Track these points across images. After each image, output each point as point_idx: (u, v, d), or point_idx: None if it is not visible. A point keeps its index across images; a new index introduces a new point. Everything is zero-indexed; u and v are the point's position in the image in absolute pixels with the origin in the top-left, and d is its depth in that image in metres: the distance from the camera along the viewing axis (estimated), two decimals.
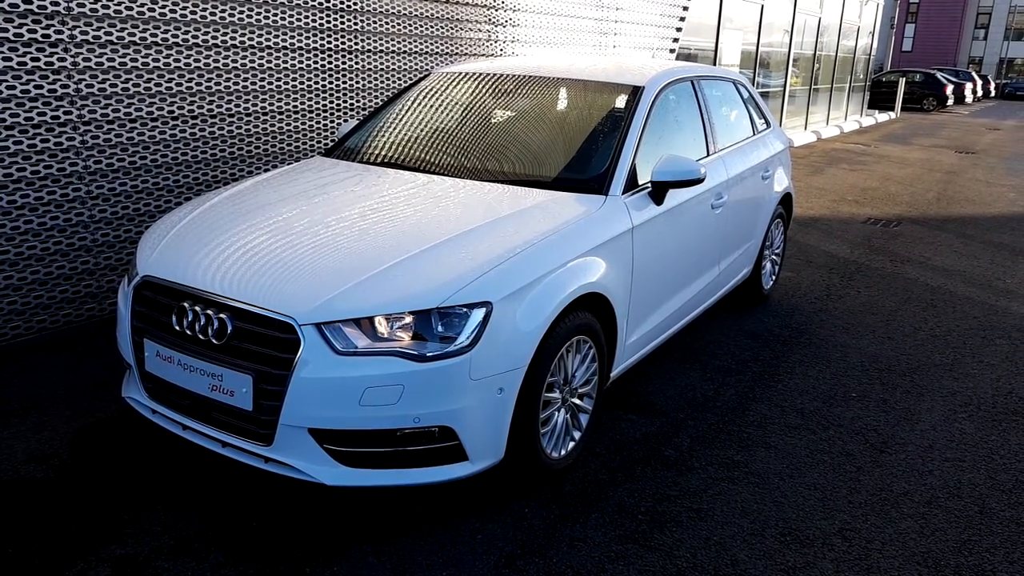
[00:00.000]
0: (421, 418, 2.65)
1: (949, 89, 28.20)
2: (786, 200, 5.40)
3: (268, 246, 2.97)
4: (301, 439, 2.68)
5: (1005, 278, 6.23)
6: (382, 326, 2.66)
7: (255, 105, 5.32)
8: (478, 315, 2.70)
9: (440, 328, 2.68)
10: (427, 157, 3.81)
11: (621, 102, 3.83)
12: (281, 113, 5.51)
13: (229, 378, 2.70)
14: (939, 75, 28.76)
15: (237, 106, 5.21)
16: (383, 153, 3.96)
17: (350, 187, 3.54)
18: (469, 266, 2.80)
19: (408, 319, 2.67)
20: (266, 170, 5.48)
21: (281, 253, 2.91)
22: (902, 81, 24.32)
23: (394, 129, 4.14)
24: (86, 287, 4.58)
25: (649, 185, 3.59)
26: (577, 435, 3.27)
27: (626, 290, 3.39)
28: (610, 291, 3.24)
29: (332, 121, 5.93)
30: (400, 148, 3.96)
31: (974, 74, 35.67)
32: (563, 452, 3.18)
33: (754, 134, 5.01)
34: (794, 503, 3.11)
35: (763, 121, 5.27)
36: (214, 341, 2.74)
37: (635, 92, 3.84)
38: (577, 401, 3.24)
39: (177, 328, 2.83)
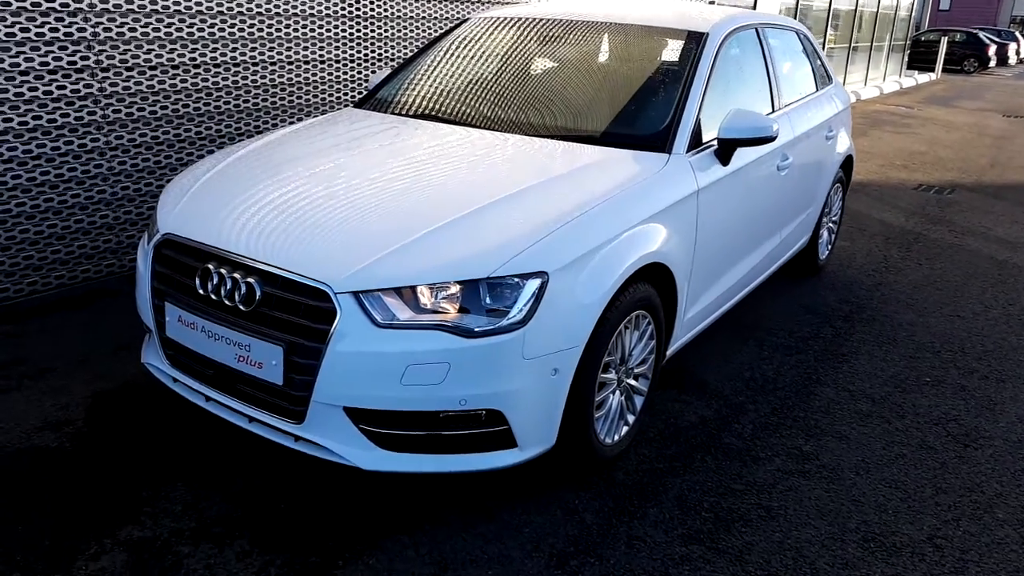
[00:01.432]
0: (468, 400, 2.37)
1: (992, 50, 26.98)
2: (847, 163, 5.02)
3: (300, 204, 2.68)
4: (335, 418, 2.42)
5: None
6: (425, 296, 2.38)
7: (280, 53, 4.99)
8: (532, 287, 2.40)
9: (490, 300, 2.39)
10: (467, 109, 3.48)
11: (682, 50, 3.46)
12: (307, 62, 5.18)
13: (257, 348, 2.43)
14: (981, 35, 27.53)
15: (261, 54, 4.88)
16: (420, 104, 3.63)
17: (386, 140, 3.23)
18: (523, 231, 2.49)
19: (455, 289, 2.38)
20: (292, 122, 5.17)
21: (315, 212, 2.62)
22: (944, 40, 23.28)
23: (430, 79, 3.80)
24: (105, 242, 4.34)
25: (715, 143, 3.24)
26: (631, 419, 2.99)
27: (688, 260, 3.08)
28: (672, 261, 2.92)
29: (361, 71, 5.59)
30: (438, 99, 3.62)
31: (1018, 34, 34.20)
32: (616, 438, 2.90)
33: (817, 90, 4.61)
34: (874, 503, 2.82)
35: (825, 76, 4.87)
36: (241, 307, 2.47)
37: (699, 39, 3.47)
38: (632, 382, 2.95)
39: (201, 292, 2.56)
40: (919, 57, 24.10)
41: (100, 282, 4.31)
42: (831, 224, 5.10)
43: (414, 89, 3.76)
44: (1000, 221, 6.61)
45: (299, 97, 5.19)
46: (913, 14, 19.50)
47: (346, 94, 5.51)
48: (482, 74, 3.71)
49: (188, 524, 2.49)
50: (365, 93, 3.97)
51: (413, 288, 2.37)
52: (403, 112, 3.61)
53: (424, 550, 2.45)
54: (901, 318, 4.47)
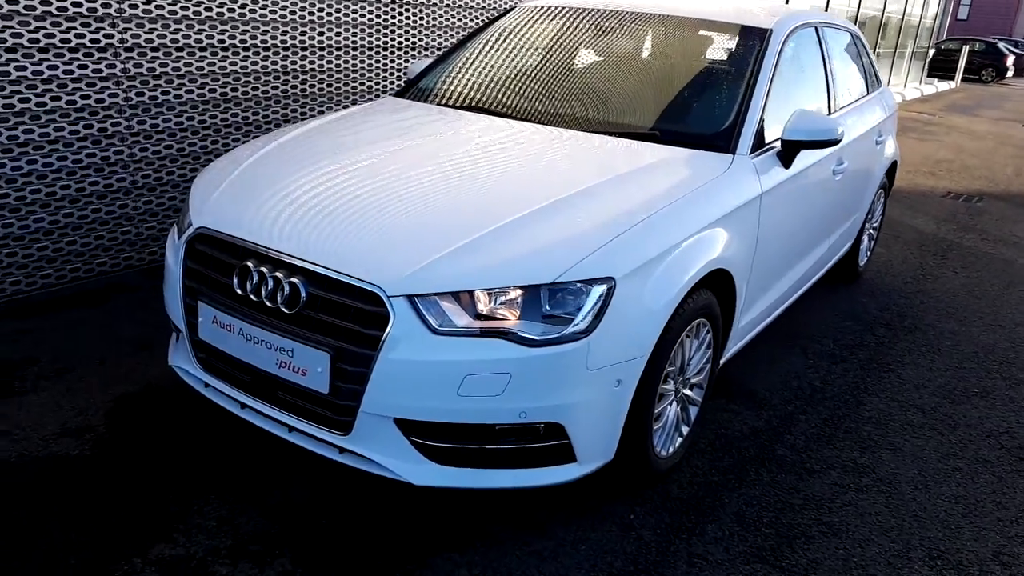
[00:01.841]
0: (528, 413, 2.23)
1: (1010, 60, 26.86)
2: (891, 169, 4.89)
3: (347, 198, 2.53)
4: (385, 429, 2.27)
5: None
6: (483, 302, 2.23)
7: (313, 38, 4.84)
8: (598, 293, 2.26)
9: (553, 307, 2.24)
10: (517, 102, 3.33)
11: (745, 46, 3.32)
12: (340, 48, 5.03)
13: (301, 354, 2.29)
14: (1000, 45, 27.41)
15: (293, 38, 4.73)
16: (466, 96, 3.48)
17: (434, 132, 3.09)
18: (587, 234, 2.35)
19: (515, 294, 2.23)
20: (325, 111, 5.02)
21: (364, 208, 2.47)
22: (965, 49, 23.15)
23: (476, 69, 3.65)
24: (124, 233, 4.18)
25: (778, 144, 3.11)
26: (685, 430, 2.86)
27: (747, 265, 2.94)
28: (734, 267, 2.78)
29: (397, 59, 5.43)
30: (485, 91, 3.47)
31: None
32: (671, 450, 2.77)
33: (868, 92, 4.48)
34: (936, 519, 2.69)
35: (875, 79, 4.73)
36: (284, 310, 2.32)
37: (763, 35, 3.32)
38: (688, 392, 2.81)
39: (239, 292, 2.41)
40: (938, 65, 23.97)
41: (118, 276, 4.16)
42: (871, 230, 4.97)
43: (459, 79, 3.61)
44: None
45: (330, 84, 5.03)
46: (936, 23, 19.36)
47: (380, 83, 5.35)
48: (530, 65, 3.57)
49: (224, 541, 2.35)
50: (406, 82, 3.82)
51: (471, 292, 2.23)
52: (448, 103, 3.46)
53: (477, 570, 2.31)
54: (943, 327, 4.34)
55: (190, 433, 2.85)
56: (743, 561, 2.43)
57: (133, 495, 2.51)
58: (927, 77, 21.02)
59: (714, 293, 2.76)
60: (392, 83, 5.46)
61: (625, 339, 2.32)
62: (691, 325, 2.61)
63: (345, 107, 5.18)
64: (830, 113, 3.75)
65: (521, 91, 3.40)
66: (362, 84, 5.28)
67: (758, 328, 3.39)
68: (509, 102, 3.35)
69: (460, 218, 2.40)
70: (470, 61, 3.72)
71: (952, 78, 22.47)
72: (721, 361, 3.08)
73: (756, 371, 3.63)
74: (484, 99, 3.42)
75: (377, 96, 5.38)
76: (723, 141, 2.96)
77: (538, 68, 3.55)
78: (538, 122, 3.17)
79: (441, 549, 2.38)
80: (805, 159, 3.27)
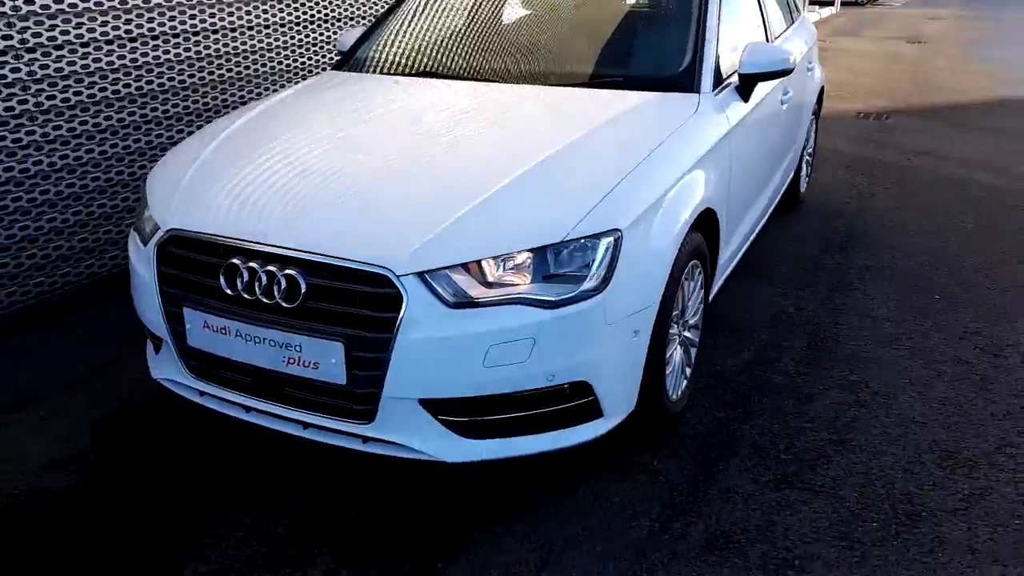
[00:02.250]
0: (556, 375, 2.20)
1: None
2: (820, 95, 5.01)
3: (325, 181, 2.42)
4: (410, 412, 2.20)
5: (1020, 164, 6.04)
6: (494, 269, 2.18)
7: (223, 20, 4.57)
8: (607, 247, 2.23)
9: (563, 266, 2.21)
10: (468, 63, 3.25)
11: None
12: (253, 28, 4.77)
13: (310, 347, 2.18)
14: None
15: (203, 21, 4.45)
16: (413, 62, 3.36)
17: (393, 103, 2.98)
18: (585, 189, 2.32)
19: (523, 258, 2.18)
20: (260, 94, 4.78)
21: (346, 189, 2.37)
22: None
23: (416, 33, 3.53)
24: (56, 249, 3.90)
25: (734, 79, 3.13)
26: (688, 372, 2.89)
27: (725, 202, 2.97)
28: (717, 205, 2.81)
29: (322, 33, 5.20)
30: (432, 55, 3.37)
31: None
32: (679, 393, 2.79)
33: (792, 22, 4.56)
34: (936, 422, 2.82)
35: (796, 8, 4.82)
36: (284, 304, 2.21)
37: None
38: (688, 335, 2.84)
39: (229, 292, 2.28)
40: None
41: (58, 296, 3.88)
42: (808, 157, 5.10)
43: (401, 46, 3.49)
44: (942, 141, 6.80)
45: (246, 67, 4.78)
46: None
47: (302, 59, 5.11)
48: (473, 23, 3.47)
49: (258, 549, 2.25)
50: (340, 54, 3.66)
51: (479, 262, 2.17)
52: (395, 71, 3.34)
53: (521, 536, 2.29)
54: (890, 240, 4.52)
55: (186, 446, 2.70)
56: (772, 488, 2.49)
57: (144, 518, 2.37)
58: (809, 5, 21.68)
59: (701, 233, 2.78)
60: (313, 58, 5.24)
61: (637, 289, 2.31)
62: (687, 267, 2.62)
63: (280, 87, 4.95)
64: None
65: (470, 51, 3.32)
66: (282, 63, 5.04)
67: (734, 262, 3.45)
68: (460, 64, 3.26)
69: (451, 188, 2.33)
70: (408, 26, 3.59)
71: (832, 3, 23.23)
72: (710, 299, 3.12)
73: (732, 307, 3.70)
74: (433, 64, 3.32)
75: (306, 73, 5.16)
76: (686, 81, 2.96)
77: (482, 25, 3.46)
78: (496, 81, 3.10)
79: (482, 523, 2.34)
80: (759, 92, 3.31)
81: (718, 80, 3.03)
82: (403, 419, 2.21)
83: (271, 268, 2.21)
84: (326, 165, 2.50)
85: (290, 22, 5.00)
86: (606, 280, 2.21)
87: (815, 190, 5.44)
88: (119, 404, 2.95)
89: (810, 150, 5.14)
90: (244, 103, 4.75)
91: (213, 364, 2.39)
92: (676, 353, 2.73)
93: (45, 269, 3.87)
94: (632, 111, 2.76)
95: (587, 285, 2.20)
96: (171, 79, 4.30)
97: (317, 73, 5.28)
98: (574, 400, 2.29)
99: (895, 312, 3.65)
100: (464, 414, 2.22)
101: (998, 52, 11.58)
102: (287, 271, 2.19)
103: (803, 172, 4.97)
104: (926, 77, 9.93)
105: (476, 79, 3.12)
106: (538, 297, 2.15)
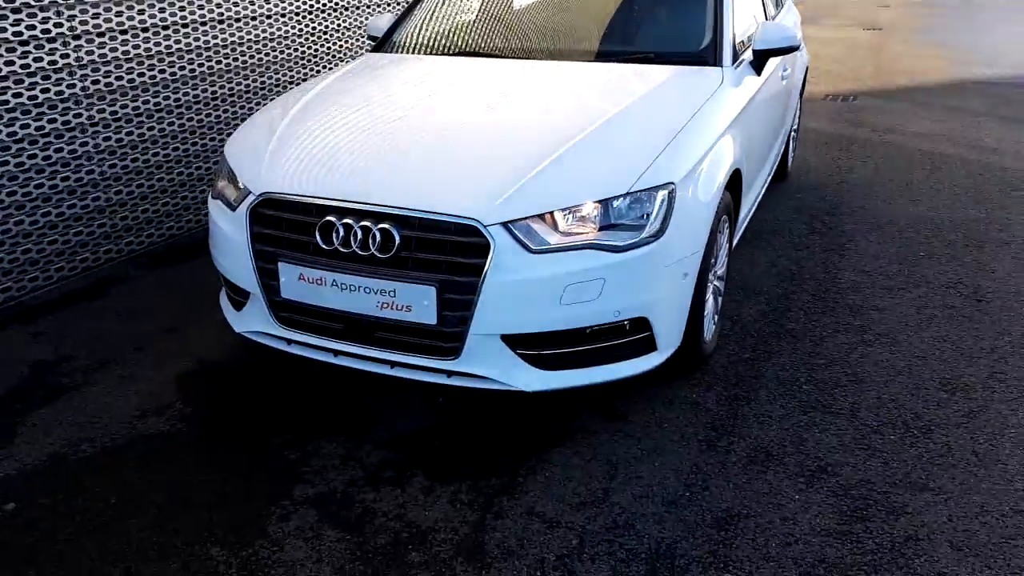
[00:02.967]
0: (622, 311, 2.51)
1: None
2: (805, 74, 5.40)
3: (411, 143, 2.69)
4: (492, 348, 2.49)
5: (983, 137, 6.52)
6: (566, 219, 2.48)
7: (261, 6, 4.77)
8: (663, 198, 2.55)
9: (629, 216, 2.52)
10: (511, 42, 3.54)
11: None
12: (285, 15, 4.97)
13: (404, 292, 2.46)
14: None
15: (236, 5, 4.65)
16: (455, 42, 3.64)
17: (453, 77, 3.26)
18: (642, 148, 2.63)
19: (590, 209, 2.49)
20: (311, 75, 4.99)
21: (431, 150, 2.65)
22: None
23: (455, 15, 3.81)
24: (99, 227, 4.08)
25: (748, 55, 3.46)
26: (716, 318, 3.22)
27: (745, 164, 3.30)
28: (742, 166, 3.14)
29: (347, 19, 5.41)
30: (474, 35, 3.65)
31: None
32: (710, 336, 3.13)
33: (782, 6, 4.92)
34: (934, 356, 3.20)
35: None
36: (378, 255, 2.47)
37: None
38: (717, 284, 3.17)
39: (326, 247, 2.54)
40: None
41: (105, 270, 4.06)
42: (793, 132, 5.48)
43: (440, 27, 3.76)
44: (909, 119, 7.26)
45: (279, 53, 4.98)
46: None
47: (327, 45, 5.32)
48: (510, 4, 3.75)
49: (356, 473, 2.52)
50: (375, 39, 3.90)
51: (552, 213, 2.46)
52: (437, 52, 3.61)
53: (588, 456, 2.60)
54: (874, 207, 4.92)
55: (267, 393, 2.95)
56: (800, 411, 2.84)
57: (245, 454, 2.61)
58: None
59: (728, 191, 3.11)
60: (341, 44, 5.45)
61: (688, 236, 2.63)
62: (720, 221, 2.95)
63: (313, 71, 5.15)
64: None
65: (507, 32, 3.60)
66: (309, 48, 5.25)
67: (746, 222, 3.80)
68: (500, 44, 3.55)
69: (524, 148, 2.62)
70: (442, 9, 3.86)
71: None
72: (731, 250, 3.45)
73: (740, 268, 4.04)
74: (472, 44, 3.59)
75: (334, 58, 5.36)
76: (710, 56, 3.28)
77: (516, 9, 3.74)
78: (536, 59, 3.38)
79: (552, 445, 2.64)
80: (768, 67, 3.65)
81: (735, 55, 3.36)
82: (486, 354, 2.50)
83: (366, 223, 2.48)
84: (405, 130, 2.77)
85: (317, 8, 5.20)
86: (663, 228, 2.53)
87: (800, 166, 5.83)
88: (193, 362, 3.18)
89: (796, 126, 5.52)
90: (280, 86, 4.95)
91: (304, 313, 2.65)
92: (710, 299, 3.06)
93: (88, 246, 4.06)
94: (668, 82, 3.08)
95: (648, 231, 2.51)
96: (201, 65, 4.49)
97: (352, 58, 5.52)
98: (634, 335, 2.60)
99: (886, 267, 4.04)
100: (541, 348, 2.51)
101: (950, 37, 12.18)
102: (382, 225, 2.46)
103: (790, 148, 5.35)
104: (886, 61, 10.45)
105: (517, 57, 3.41)
106: (608, 243, 2.46)
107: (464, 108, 2.94)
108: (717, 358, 3.18)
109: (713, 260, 2.96)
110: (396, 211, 2.46)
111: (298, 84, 5.02)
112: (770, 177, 4.43)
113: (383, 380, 2.98)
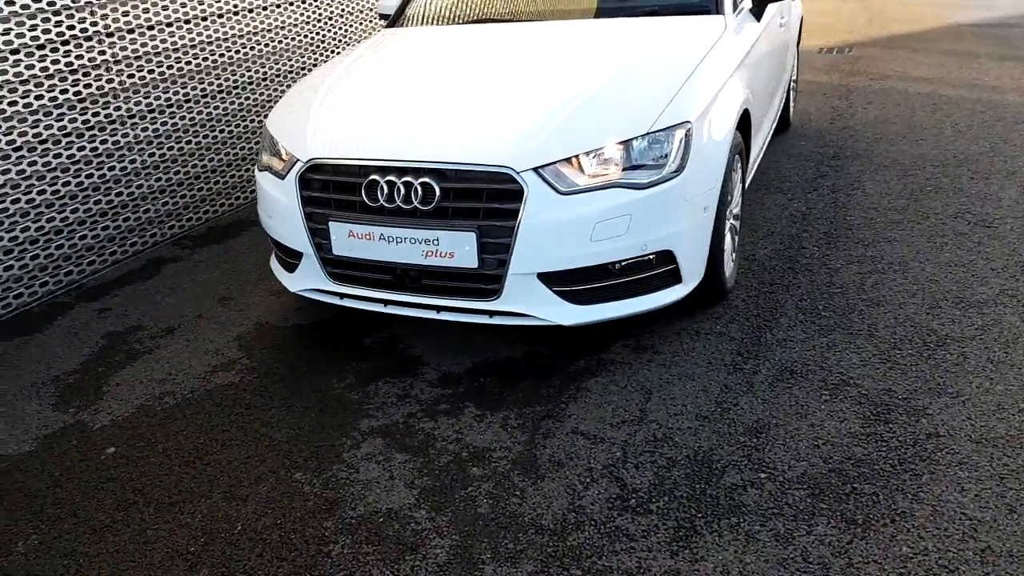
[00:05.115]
0: (648, 244, 2.71)
1: None
2: (800, 24, 5.55)
3: (440, 102, 2.90)
4: (529, 286, 2.70)
5: (982, 77, 6.66)
6: (590, 162, 2.67)
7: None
8: (680, 137, 2.74)
9: (650, 155, 2.71)
10: (519, 7, 3.73)
11: None
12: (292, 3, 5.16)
13: (447, 240, 2.66)
14: None
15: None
16: (467, 11, 3.84)
17: (471, 42, 3.45)
18: (657, 92, 2.81)
19: (614, 151, 2.68)
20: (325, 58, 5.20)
21: (460, 107, 2.85)
22: None
23: None
24: (144, 213, 4.30)
25: (747, 3, 3.63)
26: (734, 256, 3.41)
27: (752, 106, 3.48)
28: (751, 107, 3.32)
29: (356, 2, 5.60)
30: (484, 3, 3.84)
31: None
32: (729, 272, 3.31)
33: None
34: (947, 278, 3.38)
35: None
36: (421, 208, 2.68)
37: None
38: (733, 222, 3.36)
39: (372, 204, 2.74)
40: None
41: (155, 252, 4.29)
42: (793, 83, 5.64)
43: (448, 1, 3.94)
44: (906, 64, 7.40)
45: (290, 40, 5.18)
46: None
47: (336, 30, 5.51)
48: None
49: (414, 407, 2.74)
50: (388, 17, 4.09)
51: (578, 157, 2.66)
52: (451, 23, 3.80)
53: (623, 383, 2.80)
54: (878, 149, 5.09)
55: (321, 346, 3.16)
56: (820, 335, 3.03)
57: (311, 396, 2.83)
58: None
59: (738, 131, 3.29)
60: (354, 28, 5.64)
61: (705, 171, 2.82)
62: (734, 159, 3.13)
63: (328, 53, 5.34)
64: None
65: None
66: (319, 33, 5.44)
67: (755, 165, 3.98)
68: (509, 9, 3.73)
69: (547, 99, 2.81)
70: None
71: None
72: (745, 188, 3.63)
73: (752, 213, 4.23)
74: (483, 11, 3.78)
75: (343, 42, 5.55)
76: (712, 5, 3.46)
77: None
78: (547, 20, 3.57)
79: (587, 376, 2.85)
80: (767, 14, 3.82)
81: (735, 3, 3.53)
82: (524, 293, 2.71)
83: (408, 179, 2.68)
84: (433, 92, 2.97)
85: None
86: (683, 164, 2.72)
87: (800, 116, 5.99)
88: (251, 325, 3.40)
89: (795, 77, 5.68)
90: (296, 72, 5.15)
91: (355, 268, 2.86)
92: (728, 236, 3.25)
93: (136, 231, 4.28)
94: (676, 31, 3.26)
95: (668, 170, 2.70)
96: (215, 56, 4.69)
97: (362, 37, 5.69)
98: (660, 268, 2.80)
99: (894, 203, 4.22)
100: (574, 283, 2.72)
101: None
102: (422, 179, 2.66)
103: (791, 99, 5.51)
104: (880, 12, 10.54)
105: (528, 20, 3.60)
106: (632, 181, 2.65)
107: (484, 68, 3.13)
108: (737, 293, 3.38)
109: (729, 197, 3.14)
110: (435, 165, 2.66)
111: (314, 67, 5.22)
112: (775, 124, 4.59)
113: (423, 328, 3.20)
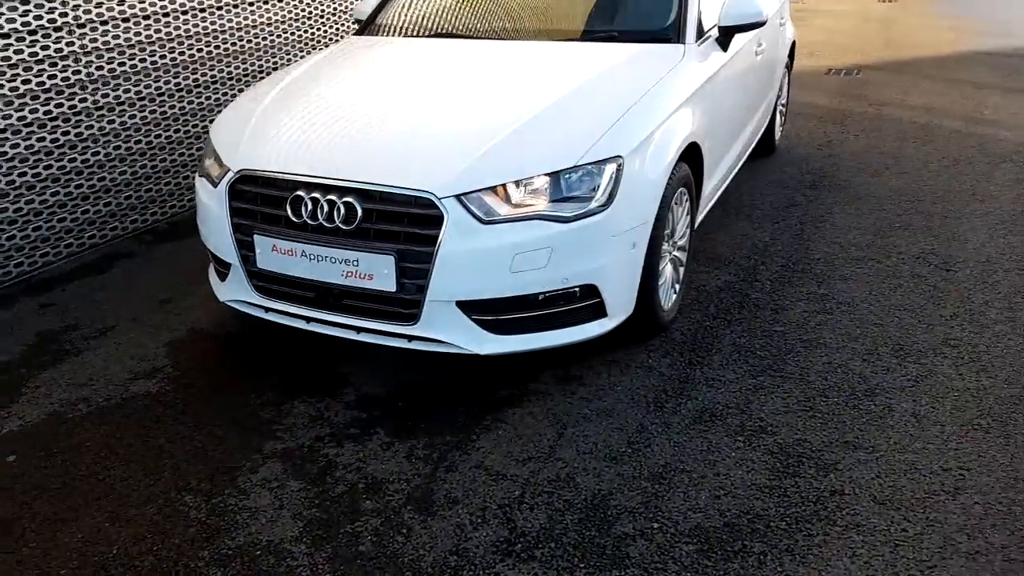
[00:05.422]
0: (569, 278, 2.66)
1: None
2: (792, 49, 5.45)
3: (374, 122, 2.86)
4: (448, 313, 2.66)
5: (981, 110, 6.52)
6: (517, 192, 2.62)
7: None
8: (610, 171, 2.69)
9: (574, 188, 2.66)
10: (483, 24, 3.68)
11: None
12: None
13: (366, 262, 2.63)
14: None
15: None
16: (432, 25, 3.79)
17: (423, 58, 3.42)
18: (591, 123, 2.76)
19: (541, 181, 2.63)
20: (297, 58, 5.19)
21: (392, 128, 2.81)
22: None
23: (432, 1, 3.95)
24: (105, 206, 4.31)
25: (714, 32, 3.56)
26: (677, 288, 3.35)
27: (707, 139, 3.42)
28: (701, 140, 3.26)
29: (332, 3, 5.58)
30: (449, 18, 3.79)
31: None
32: (669, 305, 3.26)
33: None
34: (891, 323, 3.30)
35: None
36: (343, 227, 2.65)
37: None
38: (678, 254, 3.30)
39: (295, 219, 2.72)
40: None
41: (110, 246, 4.29)
42: (781, 107, 5.55)
43: (418, 12, 3.90)
44: (910, 92, 7.26)
45: (263, 39, 5.17)
46: None
47: (312, 30, 5.49)
48: None
49: (323, 431, 2.71)
50: (358, 22, 4.06)
51: (504, 186, 2.61)
52: (415, 35, 3.76)
53: (540, 416, 2.76)
54: (858, 180, 4.99)
55: (249, 358, 3.15)
56: (749, 376, 2.97)
57: (223, 412, 2.82)
58: None
59: (688, 164, 3.23)
60: (328, 29, 5.62)
61: (635, 207, 2.76)
62: (676, 194, 3.07)
63: (299, 55, 5.34)
64: None
65: (480, 15, 3.73)
66: (294, 33, 5.43)
67: (716, 195, 3.91)
68: (473, 25, 3.68)
69: (478, 125, 2.77)
70: None
71: None
72: (695, 225, 3.57)
73: (713, 238, 4.16)
74: (448, 26, 3.73)
75: (319, 41, 5.54)
76: (673, 34, 3.39)
77: None
78: (506, 39, 3.52)
79: (506, 406, 2.81)
80: (736, 43, 3.74)
81: (700, 32, 3.46)
82: (442, 319, 2.67)
83: (331, 197, 2.65)
84: (371, 110, 2.94)
85: None
86: (611, 199, 2.67)
87: (790, 139, 5.89)
88: (184, 330, 3.39)
89: (784, 101, 5.58)
90: (263, 71, 5.14)
91: (279, 283, 2.84)
92: (667, 268, 3.19)
93: (95, 224, 4.29)
94: (628, 60, 3.20)
95: (594, 204, 2.65)
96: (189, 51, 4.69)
97: (337, 41, 5.68)
98: (584, 301, 2.75)
99: (860, 238, 4.13)
100: (493, 313, 2.68)
101: (964, 8, 12.01)
102: (346, 199, 2.63)
103: (777, 121, 5.42)
104: (897, 34, 10.36)
105: (488, 38, 3.55)
106: (555, 214, 2.61)
107: (427, 89, 3.09)
108: (678, 325, 3.32)
109: (669, 231, 3.09)
110: (358, 185, 2.63)
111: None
112: (748, 151, 4.52)
113: (356, 345, 3.16)
